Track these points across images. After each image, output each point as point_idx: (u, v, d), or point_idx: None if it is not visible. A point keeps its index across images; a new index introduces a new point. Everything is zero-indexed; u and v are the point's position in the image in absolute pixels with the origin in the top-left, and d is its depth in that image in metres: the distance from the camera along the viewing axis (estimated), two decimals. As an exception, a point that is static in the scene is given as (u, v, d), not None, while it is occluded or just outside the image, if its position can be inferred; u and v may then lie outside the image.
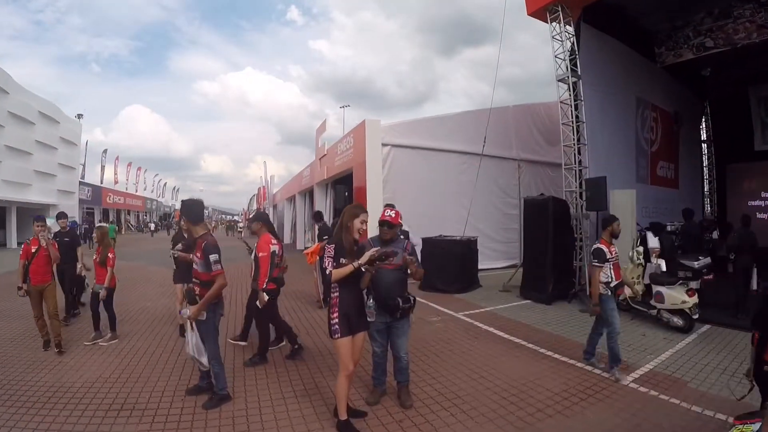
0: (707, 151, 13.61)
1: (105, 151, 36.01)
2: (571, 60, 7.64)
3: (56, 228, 5.27)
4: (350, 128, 11.14)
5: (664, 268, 6.20)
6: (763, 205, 12.03)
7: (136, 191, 42.42)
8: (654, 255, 6.66)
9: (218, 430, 2.82)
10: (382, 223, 3.01)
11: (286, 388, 3.49)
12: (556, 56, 7.84)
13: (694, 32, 9.26)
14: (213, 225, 35.40)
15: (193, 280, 3.17)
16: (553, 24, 7.82)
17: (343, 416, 2.71)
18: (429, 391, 3.45)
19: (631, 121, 9.74)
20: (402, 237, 3.19)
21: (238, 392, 3.40)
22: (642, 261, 6.45)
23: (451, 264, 7.82)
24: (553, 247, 6.99)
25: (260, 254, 3.98)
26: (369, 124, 9.34)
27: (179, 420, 2.95)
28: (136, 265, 12.78)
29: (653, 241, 6.97)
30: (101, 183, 33.84)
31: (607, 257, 3.77)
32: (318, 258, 5.94)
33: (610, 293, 3.78)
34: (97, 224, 21.61)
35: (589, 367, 3.96)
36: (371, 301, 2.76)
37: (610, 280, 3.78)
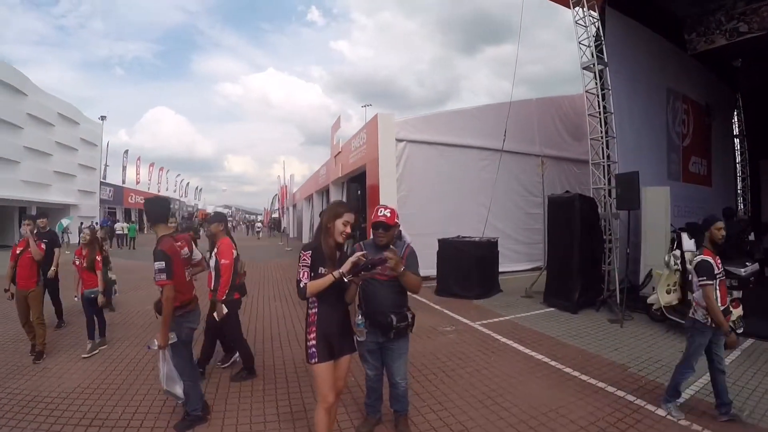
0: (740, 146, 12.85)
1: (126, 151, 37.03)
2: (596, 46, 7.05)
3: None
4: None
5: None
6: (800, 203, 11.15)
7: (159, 191, 43.27)
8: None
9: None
10: (376, 225, 2.47)
11: (270, 409, 3.10)
12: (580, 43, 7.24)
13: (727, 17, 8.61)
14: (235, 224, 35.82)
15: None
16: (576, 9, 7.29)
17: None
18: (432, 420, 2.96)
19: (662, 114, 9.09)
20: (402, 241, 2.69)
21: (217, 412, 3.04)
22: (679, 266, 5.79)
23: (470, 267, 7.27)
24: (581, 250, 6.37)
25: (223, 261, 3.51)
26: (381, 119, 8.89)
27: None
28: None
29: (689, 244, 6.31)
30: (123, 183, 34.70)
31: (715, 272, 2.93)
32: None
33: (709, 322, 2.89)
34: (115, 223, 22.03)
35: (621, 393, 3.38)
36: (360, 317, 2.31)
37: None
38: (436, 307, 6.52)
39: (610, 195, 6.98)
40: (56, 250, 4.70)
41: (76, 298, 4.61)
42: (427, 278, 8.00)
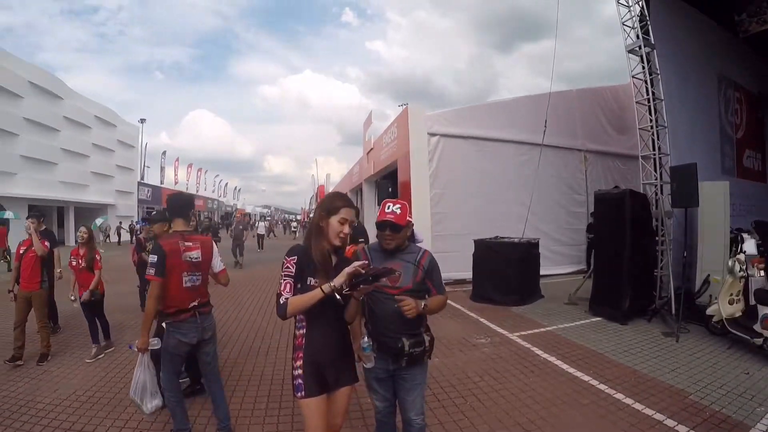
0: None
1: (164, 153, 38.13)
2: (641, 27, 6.29)
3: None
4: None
5: None
6: None
7: (197, 191, 44.39)
8: (756, 264, 5.15)
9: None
10: (382, 224, 1.93)
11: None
12: (623, 24, 6.51)
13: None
14: (274, 223, 36.70)
15: None
16: (618, -15, 6.53)
17: None
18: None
19: (714, 103, 8.17)
20: (416, 244, 2.08)
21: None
22: (745, 272, 4.99)
23: (509, 271, 6.58)
24: (632, 253, 5.60)
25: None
26: (412, 111, 8.38)
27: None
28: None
29: (751, 247, 5.47)
30: (161, 184, 35.82)
31: None
32: None
33: None
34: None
35: (683, 429, 2.72)
36: (367, 339, 1.83)
37: None
38: (471, 314, 5.94)
39: (661, 191, 6.20)
40: (55, 250, 4.53)
41: (74, 302, 4.31)
42: (462, 281, 7.50)
